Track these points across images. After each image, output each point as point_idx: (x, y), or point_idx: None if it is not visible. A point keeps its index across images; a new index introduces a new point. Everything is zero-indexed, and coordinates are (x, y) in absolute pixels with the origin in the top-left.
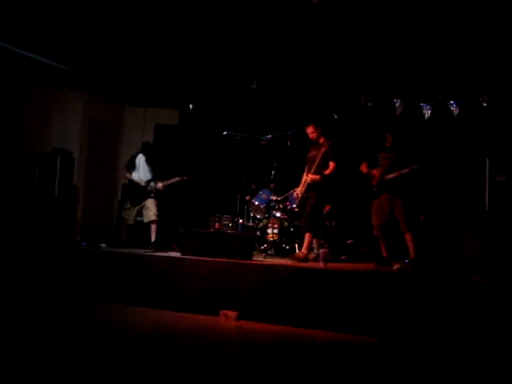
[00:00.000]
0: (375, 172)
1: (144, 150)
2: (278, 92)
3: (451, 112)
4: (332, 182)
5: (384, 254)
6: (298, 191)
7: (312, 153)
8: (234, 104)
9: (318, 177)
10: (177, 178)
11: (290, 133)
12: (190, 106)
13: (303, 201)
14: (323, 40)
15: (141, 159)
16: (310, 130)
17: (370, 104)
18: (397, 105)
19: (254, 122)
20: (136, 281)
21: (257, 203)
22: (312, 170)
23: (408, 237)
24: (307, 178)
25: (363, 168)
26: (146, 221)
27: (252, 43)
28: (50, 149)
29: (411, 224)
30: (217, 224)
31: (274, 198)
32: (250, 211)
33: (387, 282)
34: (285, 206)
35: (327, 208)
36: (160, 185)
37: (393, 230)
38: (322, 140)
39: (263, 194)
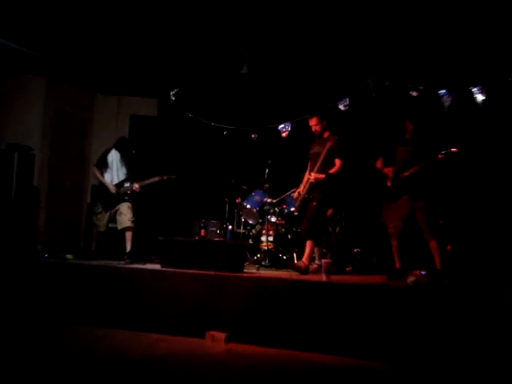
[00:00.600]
0: (387, 170)
1: (118, 146)
2: (272, 78)
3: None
4: (338, 182)
5: (397, 264)
6: (299, 192)
7: (315, 149)
8: (221, 92)
9: (322, 176)
10: (156, 178)
11: (284, 126)
12: (171, 94)
13: (304, 203)
14: (326, 12)
15: (114, 156)
16: (313, 122)
17: (381, 88)
18: (416, 90)
19: (245, 113)
20: (108, 298)
21: (249, 206)
22: (315, 169)
23: (433, 245)
24: (310, 176)
25: (378, 164)
26: (119, 227)
27: (242, 19)
28: (6, 144)
29: (436, 229)
30: (202, 231)
31: (269, 200)
32: (240, 216)
33: (400, 298)
34: (281, 210)
35: (330, 212)
36: (136, 186)
37: (410, 236)
38: (326, 134)
39: (256, 196)
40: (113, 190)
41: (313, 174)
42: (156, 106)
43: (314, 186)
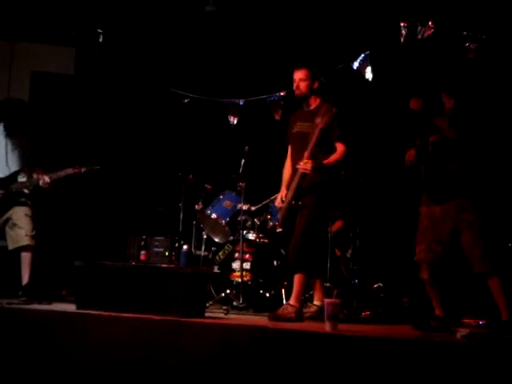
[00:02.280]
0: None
1: (4, 116)
2: (254, 19)
3: None
4: (341, 178)
5: (437, 311)
6: (281, 196)
7: (299, 125)
8: (177, 40)
9: (314, 165)
10: (70, 170)
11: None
12: (98, 41)
13: (290, 213)
14: None
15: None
16: (299, 75)
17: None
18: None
19: (212, 73)
20: None
21: (214, 216)
22: (305, 155)
23: (493, 284)
24: (299, 165)
25: (409, 156)
26: (11, 247)
27: None
28: None
29: (496, 260)
30: (143, 252)
31: (245, 207)
32: (202, 230)
33: (445, 360)
34: (263, 222)
35: (337, 225)
36: (46, 179)
37: (456, 265)
38: (316, 102)
39: (225, 201)
40: None
41: (302, 162)
42: (73, 58)
43: (304, 188)
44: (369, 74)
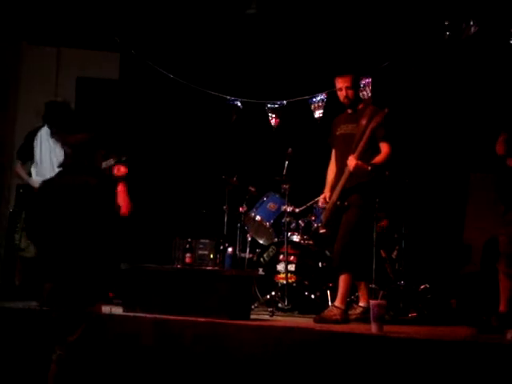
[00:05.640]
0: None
1: (49, 118)
2: (297, 21)
3: None
4: (386, 179)
5: (502, 307)
6: (325, 196)
7: (344, 127)
8: (219, 44)
9: (365, 166)
10: (111, 160)
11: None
12: (142, 47)
13: (336, 214)
14: None
15: (44, 138)
16: (343, 83)
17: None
18: None
19: (255, 77)
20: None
21: (258, 218)
22: (354, 156)
23: None
24: (351, 161)
25: (500, 148)
26: None
27: None
28: None
29: None
30: (188, 255)
31: (290, 209)
32: (246, 232)
33: (494, 362)
34: (308, 224)
35: (382, 224)
36: None
37: None
38: (361, 105)
39: (270, 203)
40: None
41: (352, 158)
42: (117, 64)
43: (349, 188)
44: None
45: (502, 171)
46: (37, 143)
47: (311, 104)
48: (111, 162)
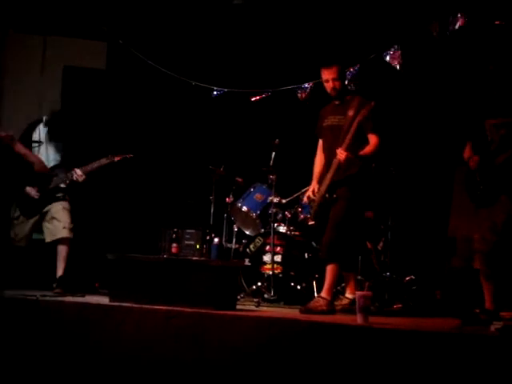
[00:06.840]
0: (474, 159)
1: (50, 121)
2: (283, 10)
3: None
4: (372, 171)
5: (488, 304)
6: (312, 190)
7: (331, 119)
8: (205, 33)
9: (351, 156)
10: (104, 160)
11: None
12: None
13: (324, 207)
14: None
15: (42, 134)
16: (329, 74)
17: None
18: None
19: (241, 66)
20: (24, 348)
21: (245, 209)
22: (342, 148)
23: None
24: (340, 154)
25: (467, 153)
26: (49, 239)
27: None
28: None
29: None
30: (174, 245)
31: (276, 199)
32: (233, 223)
33: (478, 353)
34: (294, 215)
35: (368, 216)
36: (79, 173)
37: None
38: (348, 96)
39: (256, 194)
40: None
41: (340, 150)
42: (104, 53)
43: (338, 181)
44: (398, 65)
45: (468, 173)
46: (35, 136)
47: (298, 92)
48: (104, 161)
